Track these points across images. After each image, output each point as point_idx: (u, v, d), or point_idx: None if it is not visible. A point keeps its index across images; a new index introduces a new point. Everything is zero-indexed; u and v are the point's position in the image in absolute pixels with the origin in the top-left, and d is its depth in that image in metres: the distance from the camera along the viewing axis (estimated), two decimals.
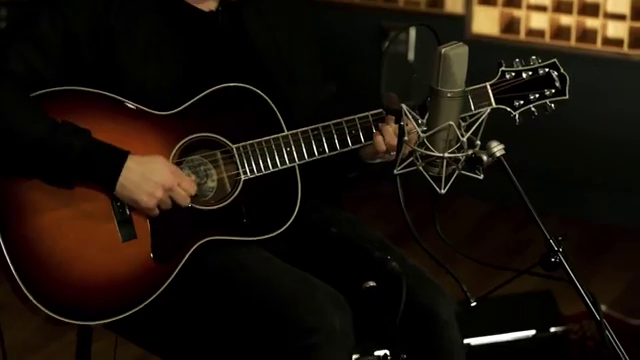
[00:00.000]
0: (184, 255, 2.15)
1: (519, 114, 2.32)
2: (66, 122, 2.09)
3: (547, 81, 2.33)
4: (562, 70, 2.34)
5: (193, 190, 2.15)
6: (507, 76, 2.31)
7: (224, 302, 2.15)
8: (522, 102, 2.32)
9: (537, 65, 2.33)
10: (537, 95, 2.32)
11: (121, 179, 2.09)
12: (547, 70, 2.33)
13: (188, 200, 2.14)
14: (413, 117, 1.88)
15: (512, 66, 2.32)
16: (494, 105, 2.30)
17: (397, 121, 1.90)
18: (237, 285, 2.14)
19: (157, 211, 2.13)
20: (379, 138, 2.23)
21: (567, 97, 2.34)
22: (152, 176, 2.10)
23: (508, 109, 2.31)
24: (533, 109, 2.32)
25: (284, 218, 2.20)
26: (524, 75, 2.32)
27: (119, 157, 2.10)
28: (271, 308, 2.09)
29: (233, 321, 2.15)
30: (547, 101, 2.33)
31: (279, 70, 2.30)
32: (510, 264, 2.03)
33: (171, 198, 2.13)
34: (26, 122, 2.08)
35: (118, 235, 2.13)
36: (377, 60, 4.39)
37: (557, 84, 2.33)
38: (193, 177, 2.19)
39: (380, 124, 2.25)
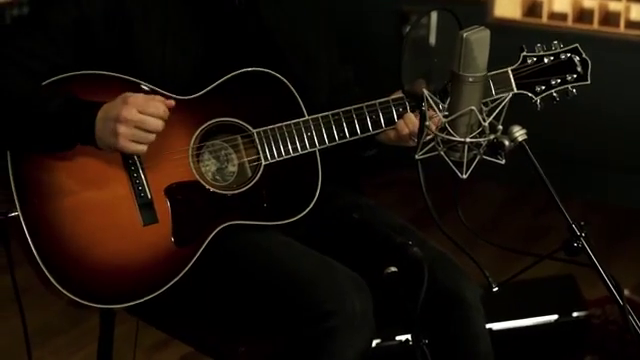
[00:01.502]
0: (205, 239, 2.15)
1: (540, 99, 2.31)
2: (48, 87, 2.09)
3: (569, 66, 2.32)
4: (584, 55, 2.33)
5: (159, 109, 2.05)
6: (529, 61, 2.30)
7: (244, 285, 2.16)
8: (544, 87, 2.31)
9: (559, 50, 2.32)
10: (559, 80, 2.31)
11: (96, 132, 2.06)
12: (569, 55, 2.32)
13: (159, 122, 2.06)
14: (434, 102, 1.87)
15: (534, 51, 2.31)
16: (515, 90, 2.29)
17: (418, 106, 1.90)
18: (257, 268, 2.15)
19: (140, 146, 2.06)
20: (402, 125, 2.23)
21: (589, 82, 2.33)
22: (109, 114, 2.05)
23: (530, 94, 2.30)
24: (555, 94, 2.31)
25: (304, 203, 2.20)
26: (546, 60, 2.31)
27: (89, 108, 2.06)
28: (291, 291, 2.09)
29: (253, 304, 2.16)
30: (569, 86, 2.32)
31: (296, 53, 2.30)
32: (531, 249, 2.03)
33: (141, 128, 2.04)
34: (12, 85, 2.09)
35: (139, 219, 2.14)
36: (397, 44, 4.38)
37: (579, 69, 2.32)
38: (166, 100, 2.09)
39: (401, 109, 2.24)
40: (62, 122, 2.07)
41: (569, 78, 2.31)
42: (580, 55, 2.33)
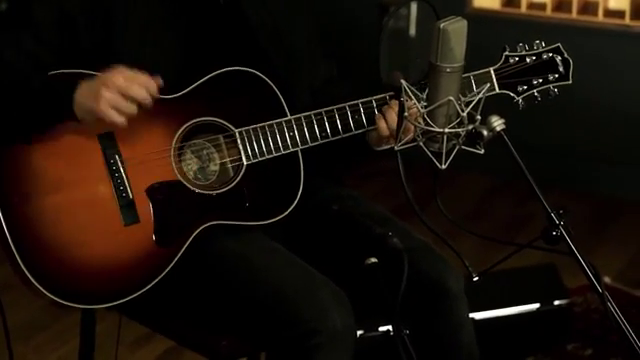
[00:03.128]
0: (187, 239, 2.15)
1: (522, 99, 2.31)
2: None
3: (551, 66, 2.32)
4: (566, 54, 2.33)
5: (149, 82, 2.04)
6: (511, 61, 2.30)
7: (227, 295, 2.15)
8: (525, 87, 2.31)
9: (541, 50, 2.32)
10: (540, 80, 2.31)
11: (75, 99, 2.05)
12: (551, 55, 2.32)
13: (145, 93, 2.04)
14: (413, 93, 1.87)
15: (516, 50, 2.31)
16: (497, 90, 2.29)
17: (397, 97, 1.90)
18: (240, 281, 2.14)
19: (120, 118, 2.04)
20: (382, 122, 2.22)
21: (570, 82, 2.33)
22: (95, 82, 2.05)
23: (512, 94, 2.31)
24: (536, 94, 2.32)
25: (286, 203, 2.20)
26: (528, 60, 2.31)
27: (71, 80, 2.07)
28: (273, 307, 2.09)
29: (233, 310, 2.16)
30: (550, 86, 2.32)
31: (278, 52, 2.30)
32: (514, 239, 2.05)
33: (127, 96, 2.03)
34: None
35: (120, 219, 2.13)
36: (377, 36, 4.38)
37: (561, 69, 2.32)
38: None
39: (383, 107, 2.24)
40: (44, 89, 2.07)
41: (551, 78, 2.32)
42: (562, 55, 2.33)
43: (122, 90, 2.03)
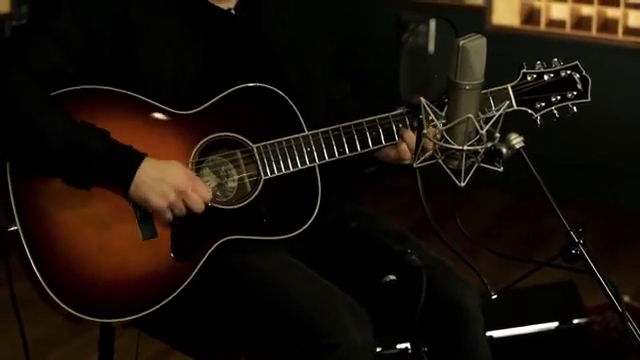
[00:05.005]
0: (204, 254, 2.15)
1: (540, 116, 2.31)
2: (85, 123, 2.09)
3: (569, 83, 2.31)
4: (584, 72, 2.33)
5: (208, 196, 2.13)
6: (528, 78, 2.30)
7: (245, 309, 2.15)
8: (543, 104, 2.31)
9: (559, 67, 2.32)
10: (559, 97, 2.31)
11: (135, 179, 2.09)
12: (569, 72, 2.32)
13: (202, 206, 2.12)
14: (432, 110, 1.87)
15: (534, 68, 2.31)
16: (515, 107, 2.28)
17: (416, 114, 1.90)
18: (258, 296, 2.14)
19: (170, 215, 2.12)
20: (404, 146, 2.23)
21: (589, 100, 2.33)
22: (166, 178, 2.10)
23: (529, 111, 2.30)
24: (555, 111, 2.31)
25: (304, 218, 2.20)
26: (546, 77, 2.31)
27: (135, 159, 2.10)
28: (292, 322, 2.08)
29: (252, 325, 2.15)
30: (569, 103, 2.32)
31: (294, 68, 2.30)
32: (532, 255, 2.03)
33: (185, 203, 2.12)
34: (46, 125, 2.07)
35: (139, 233, 2.14)
36: (396, 52, 4.39)
37: (579, 86, 2.32)
38: (213, 184, 2.18)
39: (401, 125, 2.24)
40: (102, 164, 2.08)
41: (569, 95, 2.32)
42: (580, 72, 2.33)
43: (185, 198, 2.10)
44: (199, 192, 2.12)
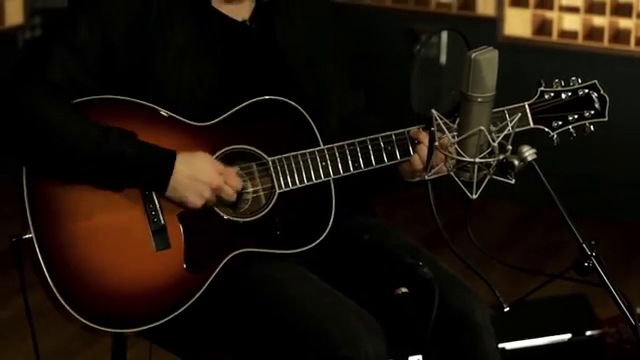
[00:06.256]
0: (217, 266, 2.15)
1: (557, 134, 2.30)
2: (115, 128, 2.10)
3: (586, 102, 2.31)
4: (602, 91, 2.32)
5: (239, 185, 2.17)
6: (546, 96, 2.30)
7: (258, 320, 2.15)
8: (560, 123, 2.30)
9: (577, 86, 2.31)
10: (576, 116, 2.31)
11: (172, 183, 2.12)
12: (587, 91, 2.32)
13: (234, 196, 2.17)
14: (444, 122, 1.87)
15: (551, 86, 2.31)
16: (532, 125, 2.28)
17: (428, 127, 1.90)
18: (269, 304, 2.14)
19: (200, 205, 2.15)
20: (416, 156, 2.23)
21: (606, 119, 2.32)
22: (200, 177, 2.12)
23: (546, 129, 2.30)
24: (572, 130, 2.31)
25: (318, 231, 2.20)
26: (563, 96, 2.31)
27: (168, 161, 2.12)
28: (305, 334, 2.08)
29: (265, 337, 2.15)
30: (586, 122, 2.31)
31: (309, 80, 2.31)
32: (544, 267, 2.03)
33: (218, 196, 2.15)
34: (77, 136, 2.09)
35: (152, 244, 2.14)
36: (408, 64, 4.39)
37: (597, 105, 2.32)
38: (236, 168, 2.20)
39: (417, 141, 2.24)
40: (136, 168, 2.10)
41: (587, 114, 2.31)
42: (598, 91, 2.32)
43: (220, 193, 2.15)
44: (231, 184, 2.15)
